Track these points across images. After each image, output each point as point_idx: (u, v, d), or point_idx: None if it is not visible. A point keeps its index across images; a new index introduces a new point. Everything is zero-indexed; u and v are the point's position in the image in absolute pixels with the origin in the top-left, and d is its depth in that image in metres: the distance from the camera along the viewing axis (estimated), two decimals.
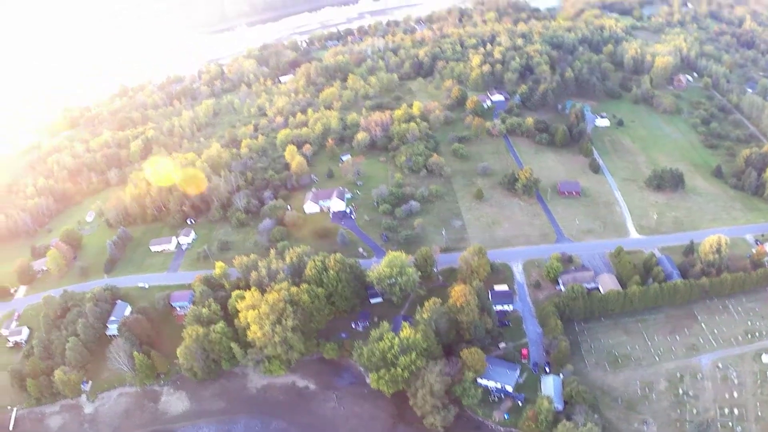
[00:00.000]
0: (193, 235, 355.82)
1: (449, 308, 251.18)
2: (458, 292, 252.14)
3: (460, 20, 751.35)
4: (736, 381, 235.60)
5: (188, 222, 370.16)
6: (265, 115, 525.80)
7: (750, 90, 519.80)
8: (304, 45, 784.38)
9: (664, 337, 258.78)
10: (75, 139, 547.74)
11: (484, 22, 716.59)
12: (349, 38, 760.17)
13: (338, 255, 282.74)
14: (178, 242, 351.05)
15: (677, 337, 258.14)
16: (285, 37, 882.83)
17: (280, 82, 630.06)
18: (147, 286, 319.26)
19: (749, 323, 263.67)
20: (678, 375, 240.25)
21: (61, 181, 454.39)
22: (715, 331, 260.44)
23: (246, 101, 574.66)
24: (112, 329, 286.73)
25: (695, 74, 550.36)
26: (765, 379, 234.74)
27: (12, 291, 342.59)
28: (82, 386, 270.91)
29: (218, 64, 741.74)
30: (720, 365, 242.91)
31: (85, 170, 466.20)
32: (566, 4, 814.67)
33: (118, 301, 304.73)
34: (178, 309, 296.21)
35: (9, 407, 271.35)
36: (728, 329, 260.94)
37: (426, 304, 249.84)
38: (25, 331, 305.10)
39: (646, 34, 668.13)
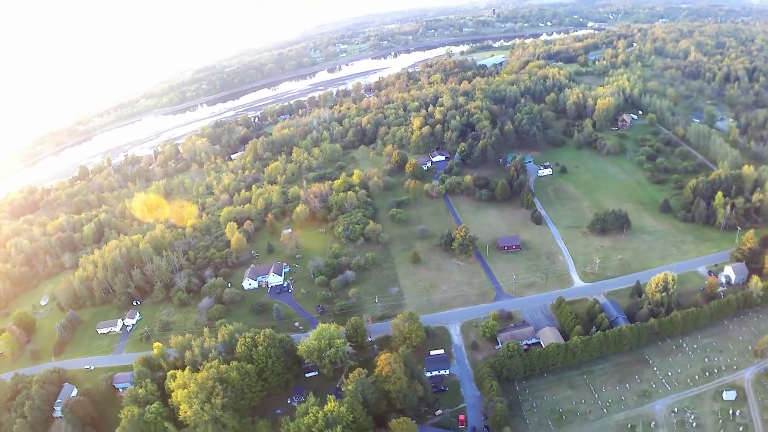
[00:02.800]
0: (138, 316, 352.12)
1: (375, 378, 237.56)
2: (383, 360, 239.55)
3: (407, 85, 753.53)
4: (694, 424, 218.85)
5: (134, 303, 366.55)
6: (212, 193, 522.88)
7: (696, 120, 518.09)
8: (257, 120, 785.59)
9: (612, 387, 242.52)
10: (34, 223, 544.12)
11: (430, 84, 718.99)
12: (300, 111, 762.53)
13: (268, 330, 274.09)
14: (124, 324, 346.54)
15: (627, 386, 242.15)
16: (240, 113, 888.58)
17: (230, 159, 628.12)
18: (92, 368, 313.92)
19: (706, 360, 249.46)
20: (629, 426, 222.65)
21: (18, 264, 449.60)
22: (669, 373, 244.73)
23: (196, 180, 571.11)
24: (59, 411, 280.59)
25: (640, 112, 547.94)
26: (727, 417, 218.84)
27: None
28: None
29: (174, 144, 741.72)
30: (676, 410, 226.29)
31: (41, 254, 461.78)
32: (512, 58, 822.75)
33: (65, 384, 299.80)
34: (120, 390, 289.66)
35: None
36: (683, 370, 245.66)
37: (351, 375, 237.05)
38: None
39: (592, 79, 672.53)
